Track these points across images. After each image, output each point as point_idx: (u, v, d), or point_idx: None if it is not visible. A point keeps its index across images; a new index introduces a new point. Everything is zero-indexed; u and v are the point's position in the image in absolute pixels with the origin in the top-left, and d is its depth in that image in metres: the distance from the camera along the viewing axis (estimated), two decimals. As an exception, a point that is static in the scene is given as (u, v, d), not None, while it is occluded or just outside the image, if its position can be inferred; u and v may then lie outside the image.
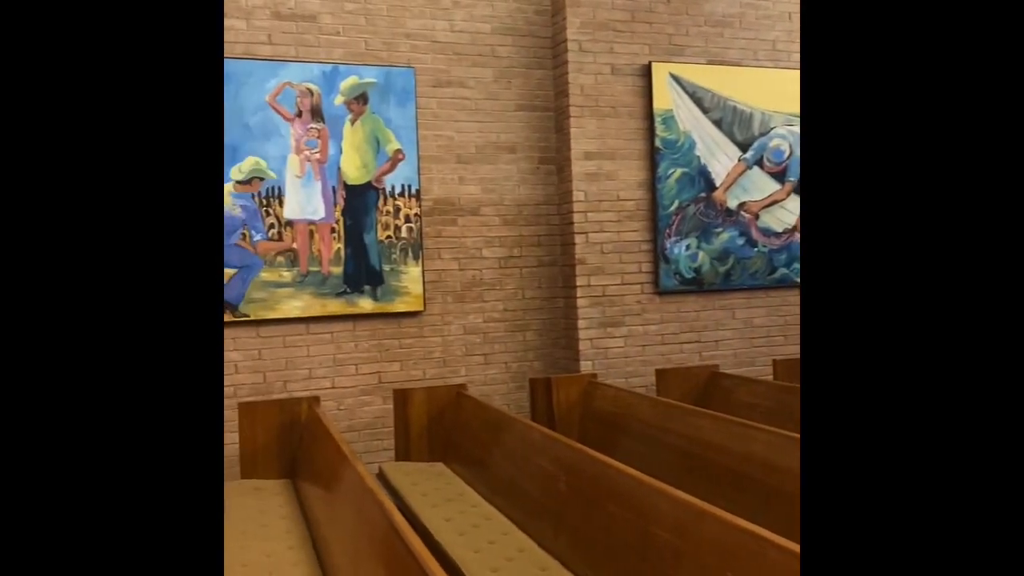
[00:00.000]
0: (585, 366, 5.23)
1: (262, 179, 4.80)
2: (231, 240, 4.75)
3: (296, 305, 4.87)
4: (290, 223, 4.88)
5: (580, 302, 5.25)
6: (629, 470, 2.71)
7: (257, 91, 4.77)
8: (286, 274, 4.86)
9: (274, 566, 2.92)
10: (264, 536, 3.27)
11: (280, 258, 4.86)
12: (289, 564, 2.95)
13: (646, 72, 5.39)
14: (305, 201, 4.91)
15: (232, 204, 4.75)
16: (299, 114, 4.87)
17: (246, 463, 4.17)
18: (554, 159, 5.46)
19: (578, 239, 5.26)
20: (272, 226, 4.84)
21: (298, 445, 4.21)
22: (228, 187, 4.74)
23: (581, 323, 5.26)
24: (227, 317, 4.73)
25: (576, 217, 5.26)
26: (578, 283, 5.26)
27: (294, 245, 4.88)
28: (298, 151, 4.87)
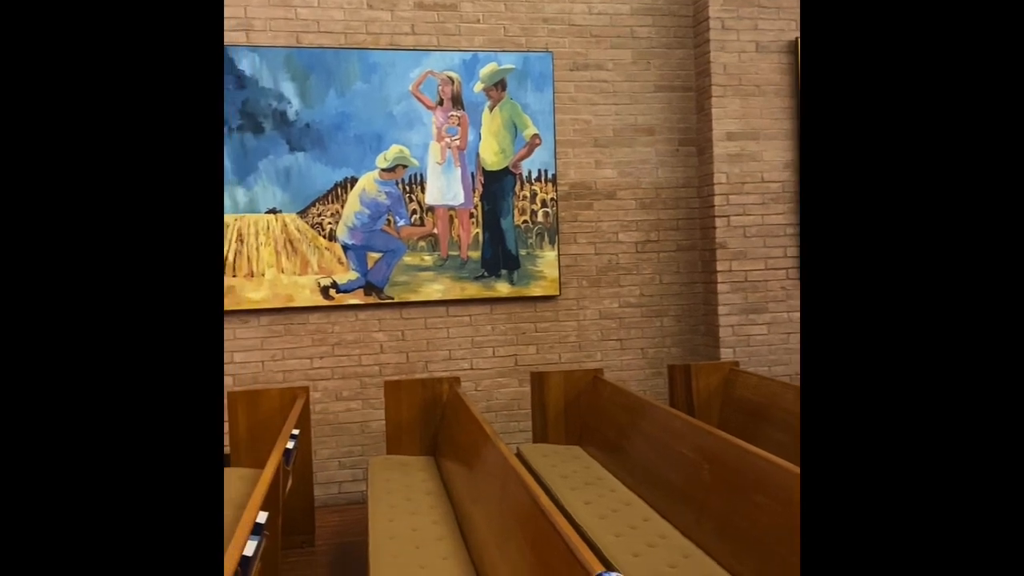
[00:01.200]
0: (725, 353, 5.09)
1: (405, 166, 4.95)
2: (376, 226, 4.93)
3: (436, 288, 5.00)
4: (431, 209, 5.01)
5: (721, 287, 5.11)
6: (778, 460, 2.62)
7: (401, 81, 4.92)
8: (427, 258, 5.00)
9: (420, 540, 3.03)
10: (409, 510, 3.39)
11: (422, 243, 5.00)
12: (433, 538, 3.05)
13: (792, 49, 5.16)
14: (445, 187, 5.02)
15: (378, 191, 4.93)
16: (440, 102, 4.98)
17: (391, 439, 4.34)
18: (694, 140, 5.33)
19: (719, 222, 5.12)
20: (414, 212, 4.99)
21: (440, 423, 4.34)
22: (373, 175, 4.92)
23: (722, 309, 5.12)
24: (373, 299, 4.92)
25: (717, 200, 5.11)
26: (719, 268, 5.12)
27: (435, 230, 5.01)
28: (439, 138, 4.99)
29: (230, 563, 1.86)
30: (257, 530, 2.23)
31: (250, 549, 2.11)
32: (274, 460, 2.86)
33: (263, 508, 2.39)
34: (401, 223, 4.97)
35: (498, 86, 5.04)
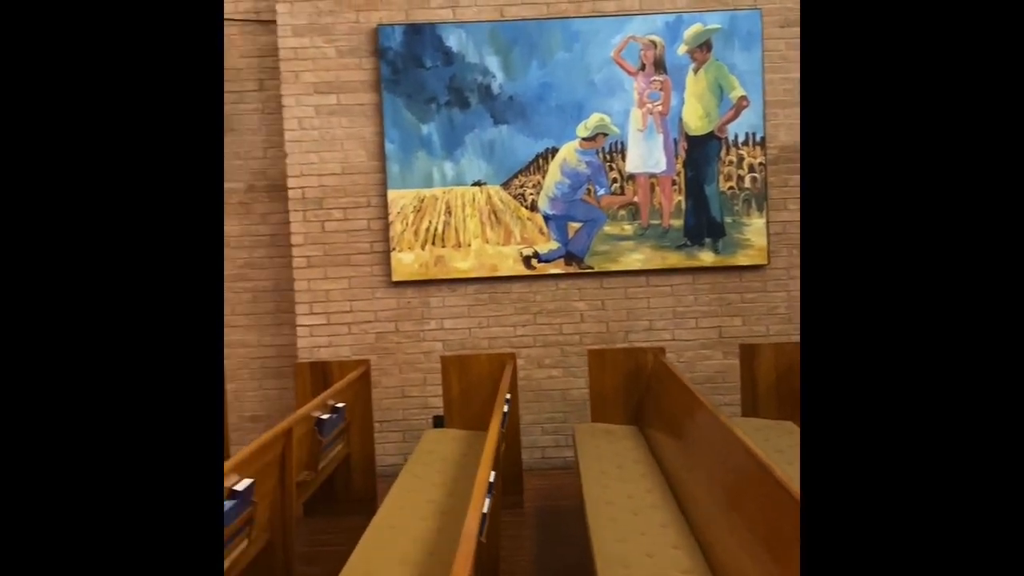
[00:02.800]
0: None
1: (606, 135, 4.92)
2: (577, 195, 4.94)
3: (637, 258, 4.95)
4: (632, 177, 4.95)
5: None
6: None
7: (602, 48, 4.87)
8: (628, 227, 4.96)
9: (635, 506, 3.03)
10: (620, 477, 3.40)
11: (622, 212, 4.96)
12: (648, 506, 3.03)
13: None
14: (647, 154, 4.94)
15: (578, 161, 4.93)
16: (642, 67, 4.89)
17: (596, 407, 4.37)
18: (920, 96, 4.88)
19: (949, 184, 4.66)
20: (615, 180, 4.95)
21: (644, 393, 4.31)
22: (574, 144, 4.92)
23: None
24: (573, 269, 4.95)
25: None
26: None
27: (635, 199, 4.95)
28: (640, 104, 4.90)
29: (472, 521, 1.94)
30: (489, 489, 2.32)
31: (485, 507, 2.20)
32: (495, 422, 2.96)
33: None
34: (601, 192, 4.95)
35: (703, 47, 4.86)
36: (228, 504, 2.54)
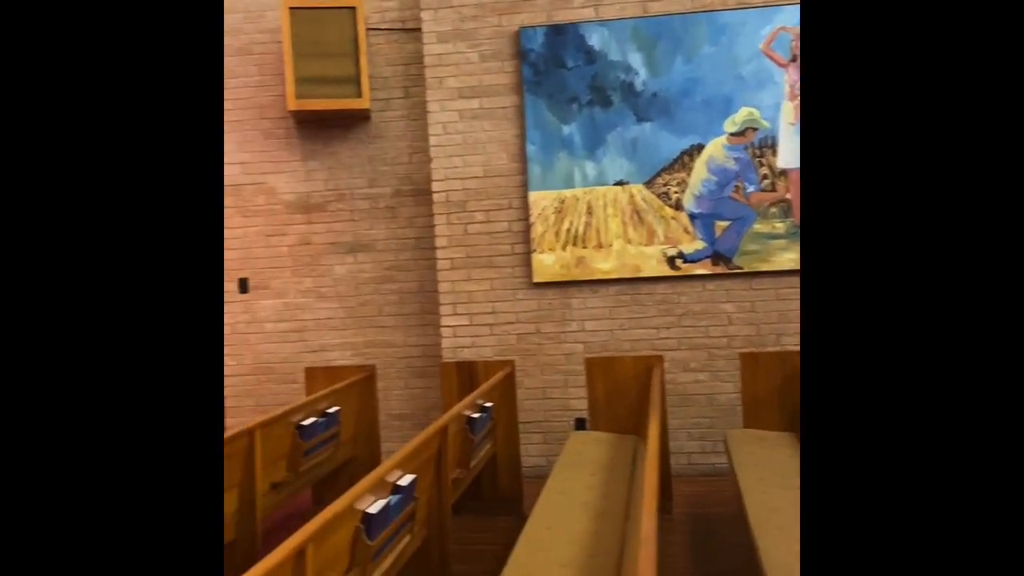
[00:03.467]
0: None
1: (755, 129, 4.74)
2: (724, 193, 4.79)
3: (789, 257, 4.73)
4: (784, 172, 4.74)
5: None
6: None
7: (751, 40, 4.70)
8: (779, 225, 4.75)
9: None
10: (783, 485, 3.24)
11: (773, 209, 4.76)
12: (815, 516, 2.87)
13: None
14: (800, 149, 4.72)
15: (725, 157, 4.77)
16: (793, 59, 4.68)
17: (748, 412, 4.20)
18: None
19: None
20: (765, 176, 4.76)
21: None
22: (721, 140, 4.77)
23: None
24: (720, 269, 4.80)
25: None
26: None
27: (788, 195, 4.74)
28: (792, 97, 4.69)
29: (649, 522, 1.89)
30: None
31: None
32: (654, 426, 2.88)
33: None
34: (751, 189, 4.77)
35: (861, 34, 4.60)
36: (393, 499, 2.59)
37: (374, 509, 2.42)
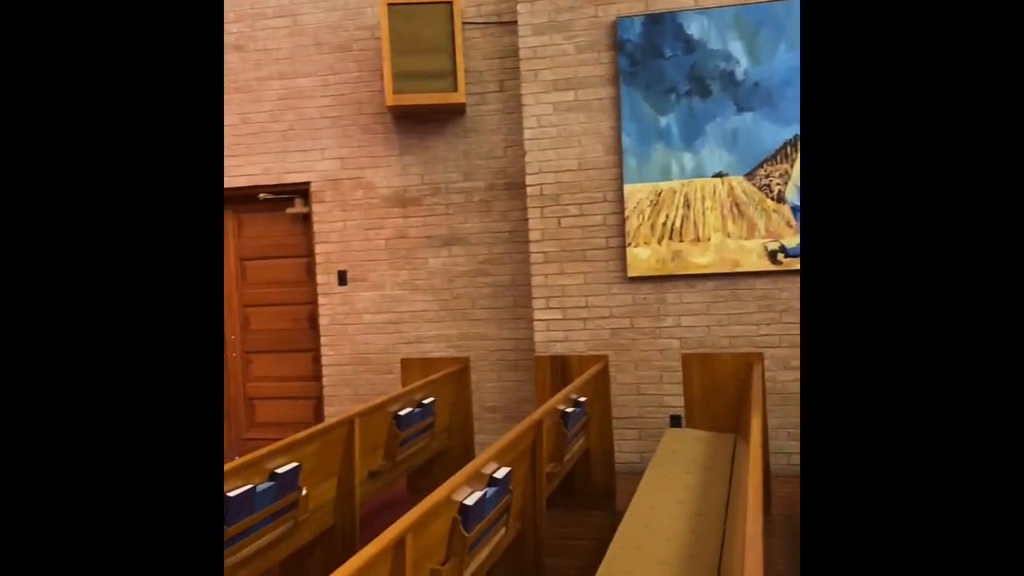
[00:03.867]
0: None
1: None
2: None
3: (899, 251, 4.50)
4: (894, 163, 4.51)
5: None
6: None
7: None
8: None
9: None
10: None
11: (882, 201, 4.54)
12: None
13: None
14: (912, 137, 4.49)
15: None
16: (907, 42, 4.45)
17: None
18: None
19: None
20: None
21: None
22: (826, 129, 4.58)
23: None
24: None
25: None
26: None
27: (898, 186, 4.51)
28: (905, 83, 4.46)
29: (754, 524, 1.83)
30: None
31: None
32: (756, 426, 2.79)
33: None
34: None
35: (982, 15, 4.33)
36: (489, 491, 2.60)
37: (471, 501, 2.44)
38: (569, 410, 3.75)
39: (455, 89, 5.27)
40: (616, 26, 4.85)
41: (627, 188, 4.87)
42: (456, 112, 5.52)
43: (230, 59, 5.86)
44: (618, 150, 4.90)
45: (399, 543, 1.99)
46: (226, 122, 5.90)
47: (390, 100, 5.27)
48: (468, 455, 4.77)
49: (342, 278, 5.79)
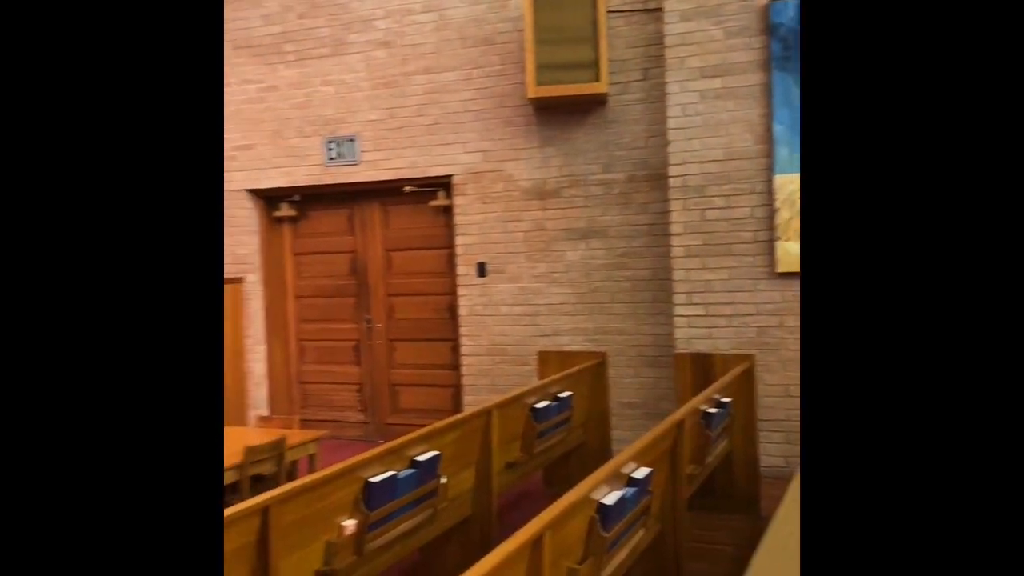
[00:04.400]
0: None
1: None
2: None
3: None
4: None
5: None
6: None
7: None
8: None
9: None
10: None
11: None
12: None
13: None
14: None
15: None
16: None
17: None
18: None
19: None
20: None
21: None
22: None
23: None
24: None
25: None
26: None
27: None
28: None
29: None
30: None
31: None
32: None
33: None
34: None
35: None
36: (628, 491, 2.53)
37: (609, 500, 2.38)
38: (712, 411, 3.61)
39: (597, 79, 5.19)
40: (768, 10, 4.60)
41: (777, 179, 4.63)
42: (597, 102, 5.44)
43: (378, 55, 6.04)
44: (768, 139, 4.66)
45: (537, 541, 1.96)
46: (374, 117, 6.10)
47: (532, 92, 5.26)
48: (605, 450, 4.70)
49: (481, 270, 5.85)
